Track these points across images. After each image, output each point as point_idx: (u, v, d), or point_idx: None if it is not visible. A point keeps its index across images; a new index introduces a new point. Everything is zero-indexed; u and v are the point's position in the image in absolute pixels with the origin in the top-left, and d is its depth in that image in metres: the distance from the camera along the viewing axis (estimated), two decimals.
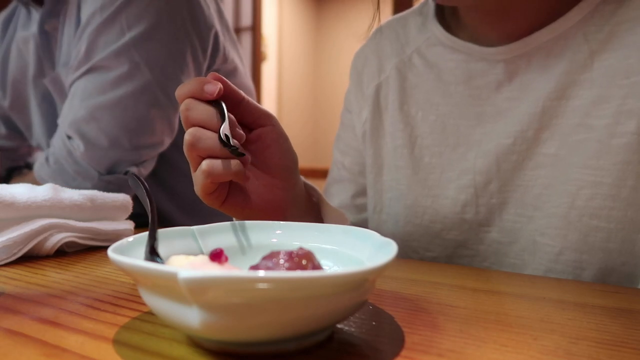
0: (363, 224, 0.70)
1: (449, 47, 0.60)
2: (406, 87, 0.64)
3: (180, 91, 0.41)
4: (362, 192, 0.71)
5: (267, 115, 0.46)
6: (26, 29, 0.92)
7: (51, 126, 0.90)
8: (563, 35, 0.52)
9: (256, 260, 0.28)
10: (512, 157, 0.54)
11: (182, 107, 0.41)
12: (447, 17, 0.63)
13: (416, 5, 0.69)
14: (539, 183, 0.52)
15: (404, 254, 0.62)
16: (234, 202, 0.46)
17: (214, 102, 0.41)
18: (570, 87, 0.51)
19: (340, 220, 0.55)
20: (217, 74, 0.42)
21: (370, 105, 0.67)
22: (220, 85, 0.40)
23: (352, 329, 0.30)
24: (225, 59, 0.89)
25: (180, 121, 0.83)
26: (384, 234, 0.66)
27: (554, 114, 0.52)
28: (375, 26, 0.71)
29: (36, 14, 0.88)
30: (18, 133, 1.01)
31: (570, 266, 0.50)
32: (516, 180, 0.54)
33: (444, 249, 0.59)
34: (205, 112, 0.40)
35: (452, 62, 0.60)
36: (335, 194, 0.74)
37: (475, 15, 0.57)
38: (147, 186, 0.36)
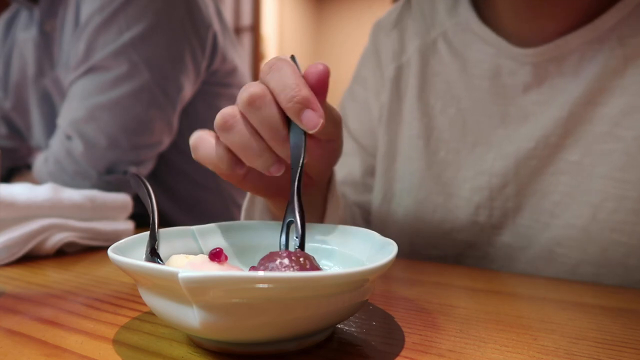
0: (368, 205, 0.67)
1: (479, 37, 0.57)
2: (427, 74, 0.61)
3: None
4: (372, 172, 0.67)
5: (336, 125, 0.37)
6: (27, 30, 0.92)
7: (51, 127, 0.90)
8: (598, 38, 0.49)
9: (256, 260, 0.28)
10: (532, 162, 0.52)
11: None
12: (479, 4, 0.59)
13: None
14: (559, 190, 0.51)
15: (410, 250, 0.60)
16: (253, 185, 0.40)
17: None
18: (601, 93, 0.49)
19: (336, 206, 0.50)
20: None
21: (389, 90, 0.64)
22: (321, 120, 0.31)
23: (352, 329, 0.30)
24: (224, 59, 0.89)
25: (179, 121, 0.84)
26: (391, 226, 0.62)
27: (580, 120, 0.49)
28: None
29: (36, 15, 0.88)
30: (19, 134, 1.02)
31: (587, 280, 0.48)
32: (534, 185, 0.52)
33: (453, 249, 0.57)
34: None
35: (479, 53, 0.57)
36: (341, 165, 0.68)
37: (514, 7, 0.54)
38: (149, 187, 0.36)
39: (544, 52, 0.52)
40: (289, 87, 0.31)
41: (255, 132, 0.33)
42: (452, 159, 0.58)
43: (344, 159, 0.69)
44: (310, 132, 0.31)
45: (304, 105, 0.31)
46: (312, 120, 0.31)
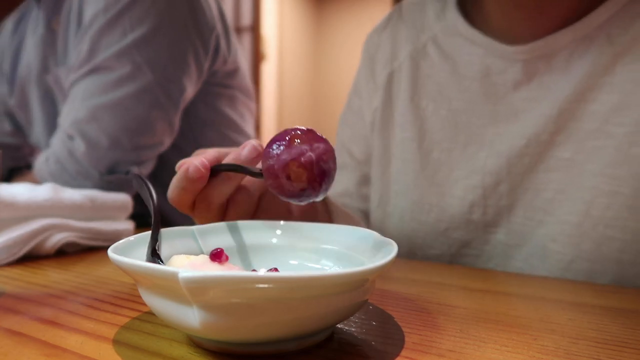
0: (368, 211, 0.68)
1: (468, 39, 0.58)
2: (418, 77, 0.62)
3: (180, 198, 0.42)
4: (366, 181, 0.69)
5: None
6: (36, 28, 0.92)
7: (51, 124, 0.90)
8: (587, 36, 0.50)
9: (256, 260, 0.28)
10: (524, 160, 0.52)
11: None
12: (467, 7, 0.60)
13: None
14: (551, 187, 0.51)
15: (407, 251, 0.61)
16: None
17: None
18: (590, 90, 0.49)
19: (348, 219, 0.53)
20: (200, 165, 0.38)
21: (381, 95, 0.65)
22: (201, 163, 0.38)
23: (352, 329, 0.30)
24: (226, 60, 0.90)
25: (180, 122, 0.84)
26: (388, 228, 0.65)
27: (571, 117, 0.50)
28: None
29: (43, 12, 0.89)
30: (22, 130, 1.02)
31: (581, 276, 0.49)
32: (527, 183, 0.52)
33: (448, 248, 0.58)
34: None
35: (469, 55, 0.57)
36: (338, 180, 0.71)
37: (502, 7, 0.55)
38: (151, 187, 0.36)
39: (534, 50, 0.52)
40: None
41: None
42: (445, 159, 0.58)
43: (338, 173, 0.71)
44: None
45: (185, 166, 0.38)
46: (194, 169, 0.37)
